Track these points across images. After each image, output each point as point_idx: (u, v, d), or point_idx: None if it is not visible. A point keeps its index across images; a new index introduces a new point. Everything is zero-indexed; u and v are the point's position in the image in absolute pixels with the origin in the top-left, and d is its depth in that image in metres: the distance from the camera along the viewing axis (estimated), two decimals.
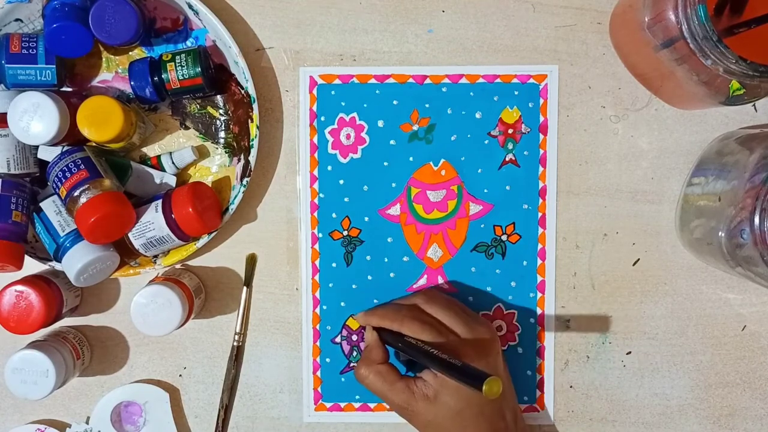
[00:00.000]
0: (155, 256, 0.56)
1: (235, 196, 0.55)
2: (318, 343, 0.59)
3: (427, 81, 0.57)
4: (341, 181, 0.58)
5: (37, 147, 0.54)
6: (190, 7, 0.54)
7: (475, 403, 0.51)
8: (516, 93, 0.57)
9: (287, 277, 0.59)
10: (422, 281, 0.58)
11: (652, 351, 0.58)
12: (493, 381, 0.42)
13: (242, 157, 0.56)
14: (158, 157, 0.57)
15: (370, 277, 0.59)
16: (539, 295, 0.58)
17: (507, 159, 0.58)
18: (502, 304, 0.59)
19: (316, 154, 0.58)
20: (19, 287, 0.53)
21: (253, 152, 0.55)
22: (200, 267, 0.59)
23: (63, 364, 0.54)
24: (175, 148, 0.58)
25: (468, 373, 0.45)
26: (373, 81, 0.57)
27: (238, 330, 0.59)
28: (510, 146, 0.57)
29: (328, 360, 0.59)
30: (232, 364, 0.59)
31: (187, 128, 0.58)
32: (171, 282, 0.54)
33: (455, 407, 0.51)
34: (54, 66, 0.53)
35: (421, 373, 0.53)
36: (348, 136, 0.58)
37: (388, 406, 0.57)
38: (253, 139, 0.55)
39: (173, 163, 0.57)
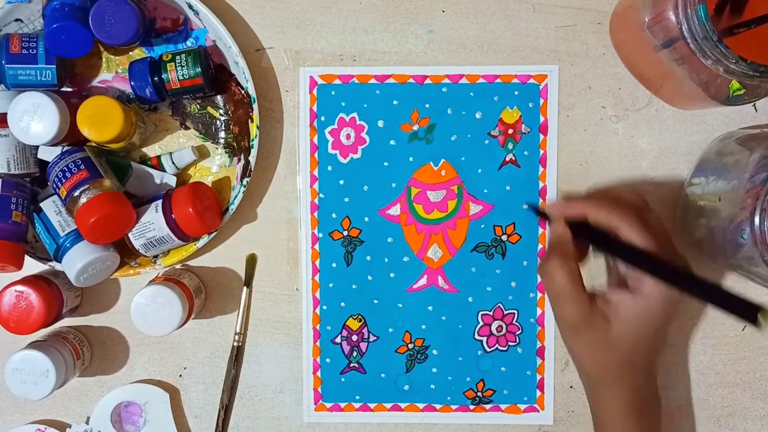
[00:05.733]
0: (155, 256, 0.56)
1: (235, 196, 0.55)
2: (318, 344, 0.59)
3: (427, 81, 0.57)
4: (341, 181, 0.58)
5: (37, 147, 0.54)
6: (190, 7, 0.54)
7: (656, 327, 0.46)
8: (516, 93, 0.57)
9: (287, 277, 0.59)
10: (422, 281, 0.58)
11: None
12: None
13: (242, 157, 0.56)
14: (158, 157, 0.57)
15: (370, 277, 0.59)
16: (539, 295, 0.58)
17: (507, 159, 0.58)
18: (502, 304, 0.59)
19: (316, 154, 0.58)
20: (19, 287, 0.53)
21: (253, 152, 0.55)
22: (200, 267, 0.59)
23: (63, 364, 0.54)
24: (175, 148, 0.58)
25: (736, 302, 0.39)
26: (373, 81, 0.57)
27: (238, 330, 0.59)
28: (510, 146, 0.57)
29: (328, 360, 0.59)
30: (232, 364, 0.59)
31: (187, 128, 0.58)
32: (171, 282, 0.54)
33: (636, 325, 0.45)
34: (54, 66, 0.53)
35: (607, 291, 0.47)
36: (348, 136, 0.58)
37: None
38: (253, 140, 0.55)
39: (173, 163, 0.57)
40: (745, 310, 0.38)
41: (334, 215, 0.58)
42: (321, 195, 0.58)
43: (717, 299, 0.41)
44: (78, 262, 0.52)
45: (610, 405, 0.49)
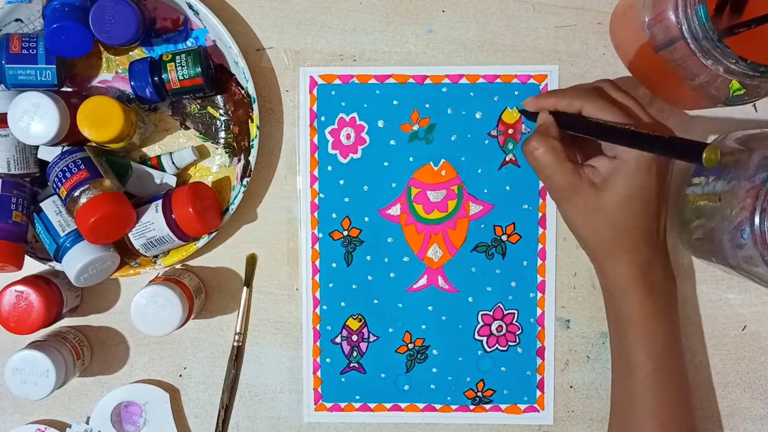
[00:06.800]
0: (155, 256, 0.56)
1: (235, 196, 0.55)
2: (318, 344, 0.59)
3: (427, 81, 0.57)
4: (341, 181, 0.58)
5: (37, 147, 0.54)
6: (190, 7, 0.54)
7: (645, 195, 0.48)
8: (516, 93, 0.57)
9: (287, 277, 0.59)
10: (422, 281, 0.58)
11: None
12: (712, 148, 0.37)
13: (242, 157, 0.56)
14: (158, 157, 0.57)
15: (370, 277, 0.59)
16: (539, 295, 0.58)
17: (507, 159, 0.58)
18: (502, 304, 0.59)
19: (316, 154, 0.58)
20: (19, 287, 0.53)
21: (253, 152, 0.55)
22: (200, 267, 0.59)
23: (63, 364, 0.54)
24: (175, 148, 0.58)
25: (680, 144, 0.41)
26: (373, 81, 0.57)
27: (238, 330, 0.59)
28: (510, 146, 0.57)
29: (328, 360, 0.59)
30: (232, 364, 0.59)
31: (187, 128, 0.58)
32: (171, 282, 0.54)
33: (625, 193, 0.47)
34: (54, 66, 0.53)
35: (590, 160, 0.50)
36: (348, 136, 0.58)
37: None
38: (253, 140, 0.55)
39: (173, 163, 0.57)
40: (692, 151, 0.39)
41: (334, 215, 0.58)
42: (321, 195, 0.58)
43: (667, 148, 0.43)
44: (78, 262, 0.52)
45: (615, 274, 0.50)
